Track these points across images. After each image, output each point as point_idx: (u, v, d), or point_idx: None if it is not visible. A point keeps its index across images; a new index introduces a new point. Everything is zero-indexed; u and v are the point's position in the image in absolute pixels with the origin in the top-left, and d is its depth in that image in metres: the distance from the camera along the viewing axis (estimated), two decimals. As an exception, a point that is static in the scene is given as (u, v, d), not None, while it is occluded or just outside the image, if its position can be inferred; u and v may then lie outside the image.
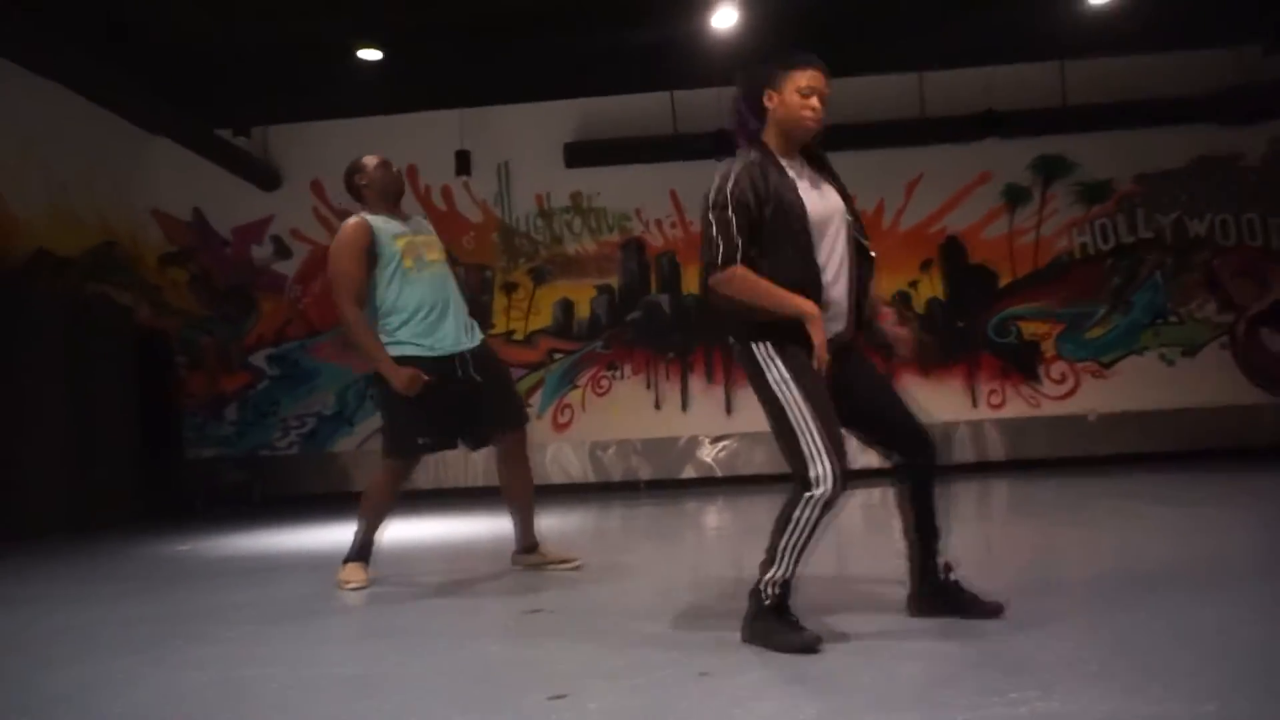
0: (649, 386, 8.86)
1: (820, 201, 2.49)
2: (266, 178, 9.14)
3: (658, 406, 8.84)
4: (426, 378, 3.42)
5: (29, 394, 6.61)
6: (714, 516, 6.14)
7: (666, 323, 8.92)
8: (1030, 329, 8.77)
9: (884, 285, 8.86)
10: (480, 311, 9.12)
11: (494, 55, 8.03)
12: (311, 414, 9.07)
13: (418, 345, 3.51)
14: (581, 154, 8.79)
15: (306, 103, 8.84)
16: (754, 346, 2.42)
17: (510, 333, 8.99)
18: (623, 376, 8.89)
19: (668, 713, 1.79)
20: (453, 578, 3.75)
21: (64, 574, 4.59)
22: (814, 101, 2.42)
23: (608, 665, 2.17)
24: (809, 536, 2.33)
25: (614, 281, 9.02)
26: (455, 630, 2.74)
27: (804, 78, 2.42)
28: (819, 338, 2.32)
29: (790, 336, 2.35)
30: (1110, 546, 3.93)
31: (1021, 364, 8.73)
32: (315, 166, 9.26)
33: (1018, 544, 4.28)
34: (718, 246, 2.39)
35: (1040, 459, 8.40)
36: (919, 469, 2.55)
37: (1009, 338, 8.77)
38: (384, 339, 3.52)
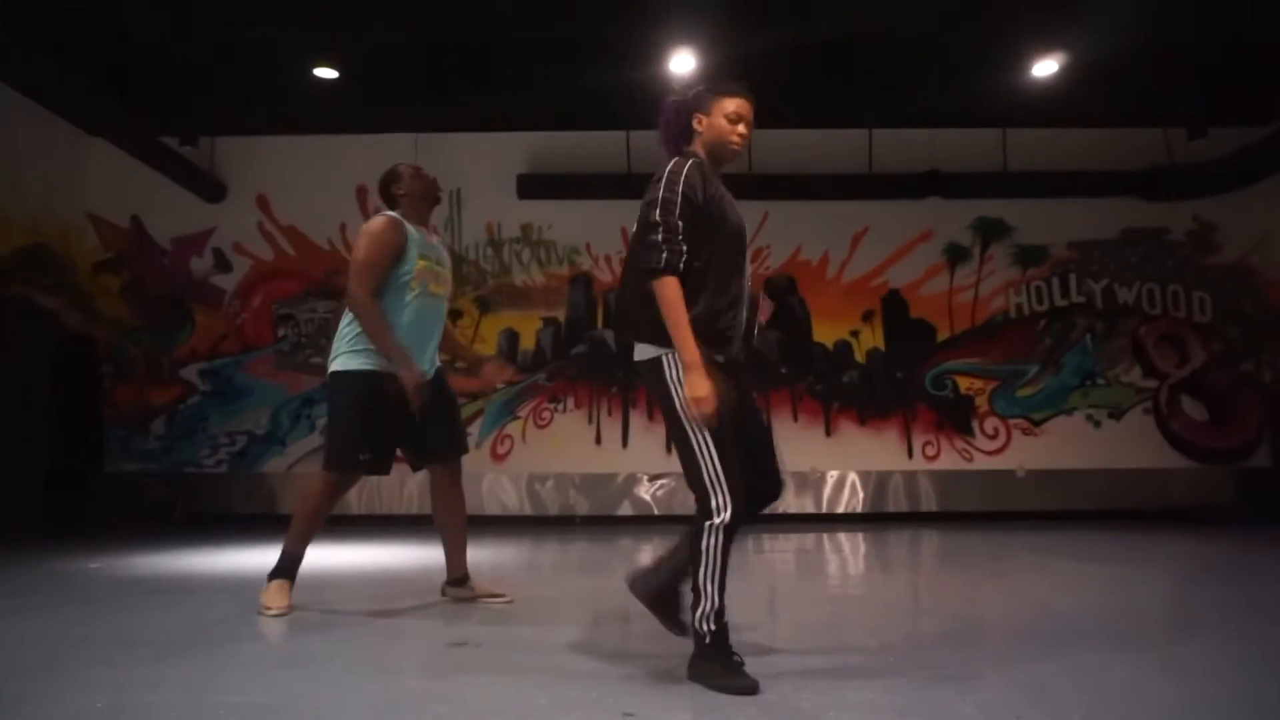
0: (590, 421, 8.84)
1: (741, 220, 2.54)
2: (211, 189, 8.98)
3: (598, 441, 8.82)
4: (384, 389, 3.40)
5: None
6: (649, 554, 6.10)
7: (611, 358, 8.93)
8: (966, 384, 8.98)
9: (826, 333, 9.08)
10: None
11: (451, 82, 8.05)
12: (242, 432, 8.84)
13: (372, 359, 3.46)
14: (534, 186, 8.82)
15: (258, 116, 8.74)
16: (665, 361, 2.39)
17: (453, 360, 8.89)
18: (565, 410, 8.86)
19: (588, 753, 1.76)
20: (377, 607, 3.65)
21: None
22: (740, 128, 2.53)
23: (529, 703, 2.13)
24: (723, 564, 2.32)
25: (560, 314, 9.02)
26: (372, 662, 2.67)
27: (732, 104, 2.53)
28: (701, 390, 2.30)
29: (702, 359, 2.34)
30: (1031, 600, 4.00)
31: (956, 418, 8.92)
32: (263, 181, 9.13)
33: (945, 593, 4.34)
34: (661, 250, 2.36)
35: (971, 511, 8.56)
36: (753, 516, 2.49)
37: (945, 391, 8.97)
38: (358, 344, 3.47)
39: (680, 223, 2.39)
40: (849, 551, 6.17)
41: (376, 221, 3.55)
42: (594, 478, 8.73)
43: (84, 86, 7.16)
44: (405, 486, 8.60)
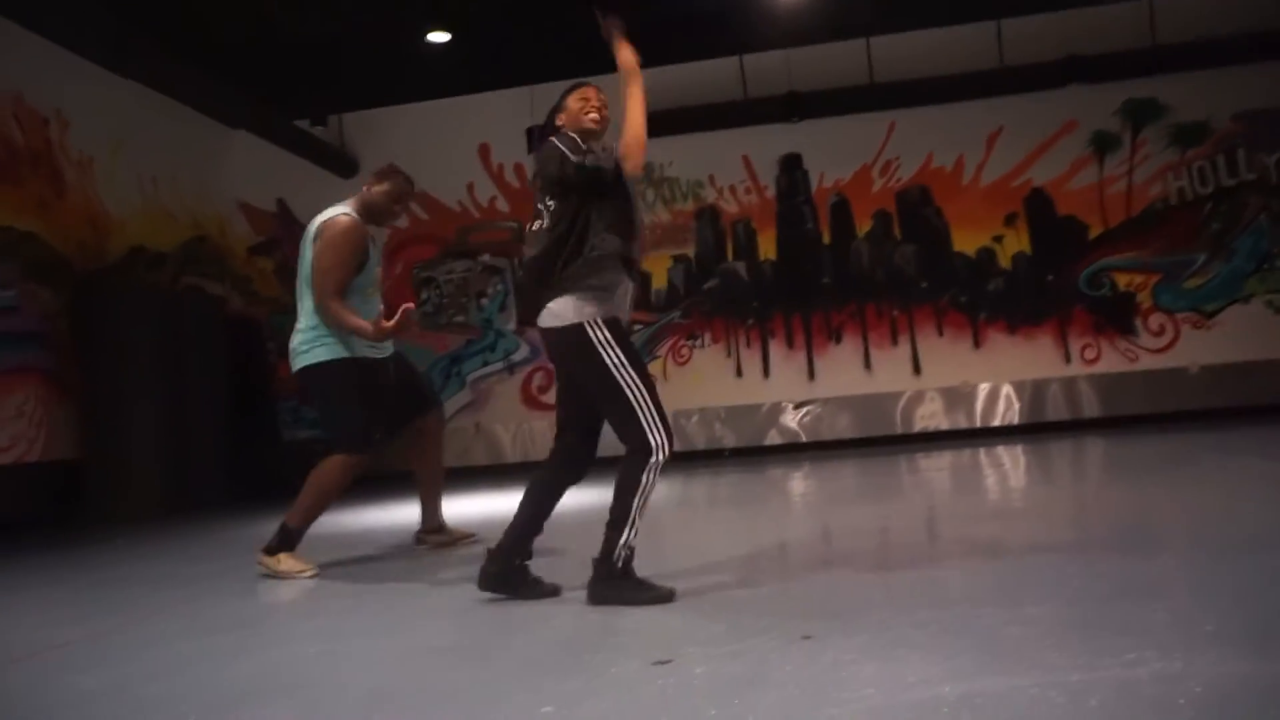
0: (729, 354, 8.83)
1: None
2: (344, 165, 9.35)
3: (739, 374, 8.81)
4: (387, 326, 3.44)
5: (130, 385, 6.93)
6: (799, 483, 6.11)
7: (744, 290, 8.86)
8: (1125, 280, 8.45)
9: (967, 242, 8.69)
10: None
11: (559, 29, 8.01)
12: (399, 394, 9.28)
13: (371, 347, 3.65)
14: (651, 124, 8.70)
15: (379, 89, 9.00)
16: (589, 328, 2.57)
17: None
18: (703, 345, 8.88)
19: (772, 676, 1.80)
20: (548, 549, 3.80)
21: (165, 553, 4.83)
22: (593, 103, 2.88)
23: (707, 631, 2.18)
24: (648, 499, 2.58)
25: (690, 250, 8.99)
26: (551, 601, 2.79)
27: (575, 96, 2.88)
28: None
29: (616, 317, 2.61)
30: (1216, 504, 3.78)
31: (1116, 317, 8.42)
32: (390, 151, 9.39)
33: (1119, 502, 4.15)
34: (602, 161, 2.65)
35: (1138, 415, 8.10)
36: (582, 468, 2.77)
37: (1102, 290, 8.46)
38: (326, 335, 3.60)
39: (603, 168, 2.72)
40: (1008, 465, 5.98)
41: (344, 223, 3.60)
42: (738, 410, 8.75)
43: (221, 83, 7.56)
44: (517, 436, 8.85)
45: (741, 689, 1.71)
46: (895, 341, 8.59)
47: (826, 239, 8.81)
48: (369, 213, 3.74)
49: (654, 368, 8.95)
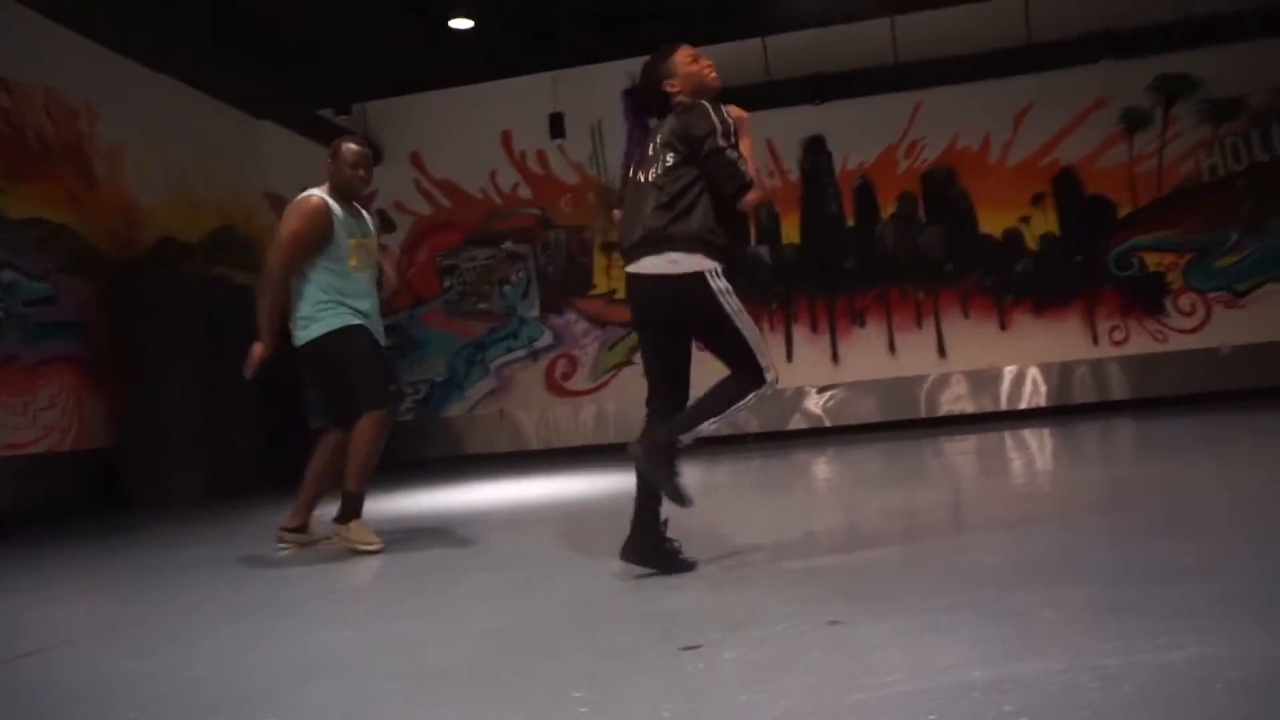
0: (752, 339, 8.79)
1: None
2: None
3: (762, 358, 8.77)
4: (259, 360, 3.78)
5: (165, 374, 7.02)
6: (823, 467, 6.09)
7: (768, 274, 8.82)
8: (1154, 260, 8.32)
9: (993, 223, 8.59)
10: (580, 273, 9.21)
11: (582, 14, 8.00)
12: (425, 381, 9.36)
13: (364, 317, 3.77)
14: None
15: (402, 76, 9.01)
16: (710, 278, 2.66)
17: (612, 292, 9.05)
18: (725, 330, 8.84)
19: (801, 660, 1.79)
20: (569, 535, 3.83)
21: (202, 539, 4.90)
22: (704, 61, 2.96)
23: (734, 616, 2.18)
24: (735, 417, 2.81)
25: (713, 235, 8.94)
26: (581, 585, 2.80)
27: (683, 55, 2.95)
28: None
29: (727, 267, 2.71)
30: (1256, 484, 3.72)
31: (1145, 297, 8.30)
32: (414, 139, 9.45)
33: (1152, 484, 4.10)
34: (742, 164, 2.68)
35: (1168, 396, 8.00)
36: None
37: (1131, 270, 8.34)
38: (328, 306, 3.72)
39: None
40: (1035, 448, 5.92)
41: (303, 201, 3.74)
42: (762, 394, 8.71)
43: (247, 75, 7.61)
44: (580, 418, 8.89)
45: (771, 674, 1.71)
46: (920, 325, 8.52)
47: (850, 222, 8.74)
48: (339, 190, 3.84)
49: (678, 353, 8.94)
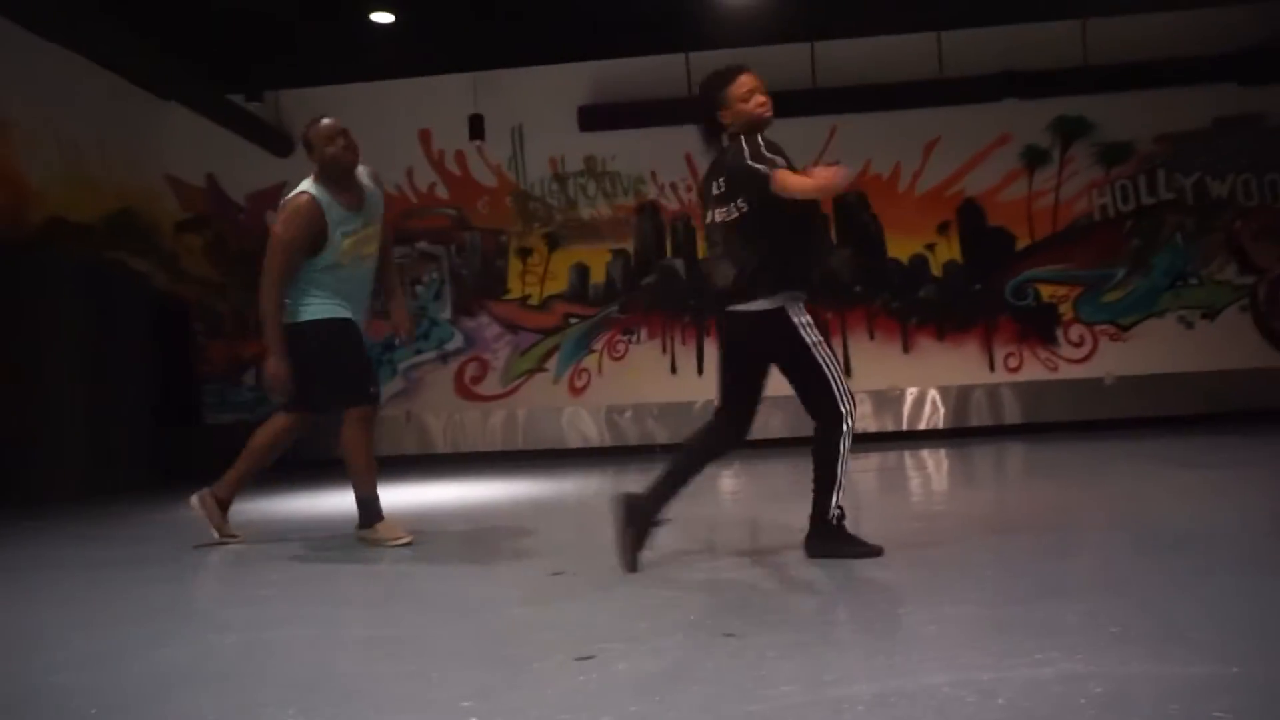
0: (665, 350, 8.87)
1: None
2: (279, 143, 9.12)
3: (674, 370, 8.86)
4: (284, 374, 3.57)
5: (48, 360, 6.66)
6: (730, 480, 6.17)
7: (682, 287, 8.91)
8: (1048, 291, 8.72)
9: (901, 248, 8.86)
10: (495, 276, 9.13)
11: (507, 17, 7.95)
12: (328, 380, 9.11)
13: (339, 305, 3.64)
14: (596, 117, 8.73)
15: (318, 66, 8.80)
16: (792, 313, 2.81)
17: (525, 297, 9.01)
18: (639, 341, 8.90)
19: (695, 672, 1.81)
20: (473, 541, 3.79)
21: (83, 537, 4.67)
22: (759, 97, 2.91)
23: (631, 627, 2.19)
24: (848, 463, 2.89)
25: (629, 245, 9.00)
26: (478, 593, 2.77)
27: (743, 85, 2.90)
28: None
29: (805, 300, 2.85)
30: (1129, 509, 3.93)
31: (1039, 327, 8.68)
32: (328, 131, 9.22)
33: (1038, 505, 4.29)
34: (762, 171, 2.75)
35: (1058, 422, 8.38)
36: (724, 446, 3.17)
37: (1027, 300, 8.72)
38: (313, 294, 3.60)
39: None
40: (933, 468, 6.13)
41: (293, 209, 3.57)
42: (672, 406, 8.79)
43: (154, 52, 7.30)
44: (489, 423, 8.80)
45: (663, 685, 1.73)
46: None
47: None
48: (326, 175, 3.64)
49: (590, 362, 8.95)
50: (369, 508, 3.67)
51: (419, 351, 9.08)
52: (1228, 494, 4.22)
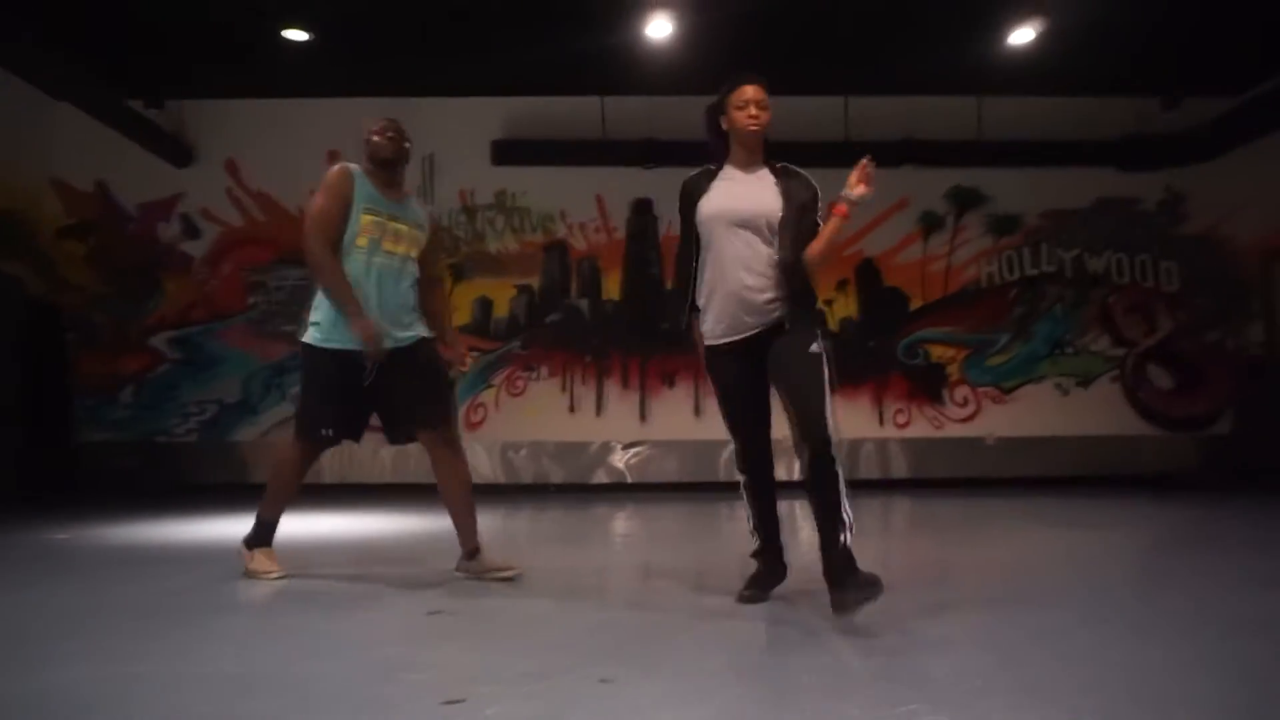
0: (564, 389, 8.84)
1: (717, 202, 2.97)
2: (178, 153, 8.81)
3: (572, 410, 8.82)
4: (381, 346, 3.41)
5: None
6: (623, 522, 6.15)
7: (585, 327, 8.92)
8: (938, 352, 9.06)
9: (801, 302, 9.09)
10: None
11: (425, 46, 7.92)
12: (213, 401, 8.76)
13: (337, 334, 3.42)
14: (509, 152, 8.72)
15: (227, 79, 8.56)
16: (818, 333, 2.88)
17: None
18: (539, 378, 8.85)
19: (565, 717, 1.78)
20: (353, 576, 3.66)
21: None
22: (750, 110, 2.95)
23: (507, 670, 2.14)
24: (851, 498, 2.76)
25: (535, 282, 8.97)
26: (350, 630, 2.67)
27: (737, 96, 2.95)
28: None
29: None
30: (1002, 565, 4.07)
31: (928, 386, 9.00)
32: (232, 145, 8.97)
33: (918, 559, 4.40)
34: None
35: (942, 478, 8.67)
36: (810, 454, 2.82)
37: (918, 359, 9.05)
38: (318, 316, 3.47)
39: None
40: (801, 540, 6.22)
41: (330, 170, 3.56)
42: (568, 446, 8.75)
43: (48, 50, 6.97)
44: (379, 454, 8.58)
45: (533, 731, 1.69)
46: (727, 391, 8.85)
47: (669, 285, 8.99)
48: (372, 161, 3.61)
49: (487, 396, 8.84)
50: (260, 527, 3.59)
51: (311, 377, 8.80)
52: (1092, 554, 4.42)
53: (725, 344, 2.95)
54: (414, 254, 3.63)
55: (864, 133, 8.78)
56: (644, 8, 7.17)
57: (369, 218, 3.49)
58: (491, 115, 8.80)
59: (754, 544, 3.13)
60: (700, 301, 2.99)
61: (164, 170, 8.80)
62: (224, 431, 8.72)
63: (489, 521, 5.82)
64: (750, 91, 2.93)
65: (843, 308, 9.07)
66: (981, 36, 7.67)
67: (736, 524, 5.99)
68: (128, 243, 8.86)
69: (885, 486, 8.65)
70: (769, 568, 3.11)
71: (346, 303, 3.38)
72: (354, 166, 3.58)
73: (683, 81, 8.43)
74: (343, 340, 3.42)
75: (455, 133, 8.88)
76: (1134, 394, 9.02)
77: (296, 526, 5.48)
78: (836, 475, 2.72)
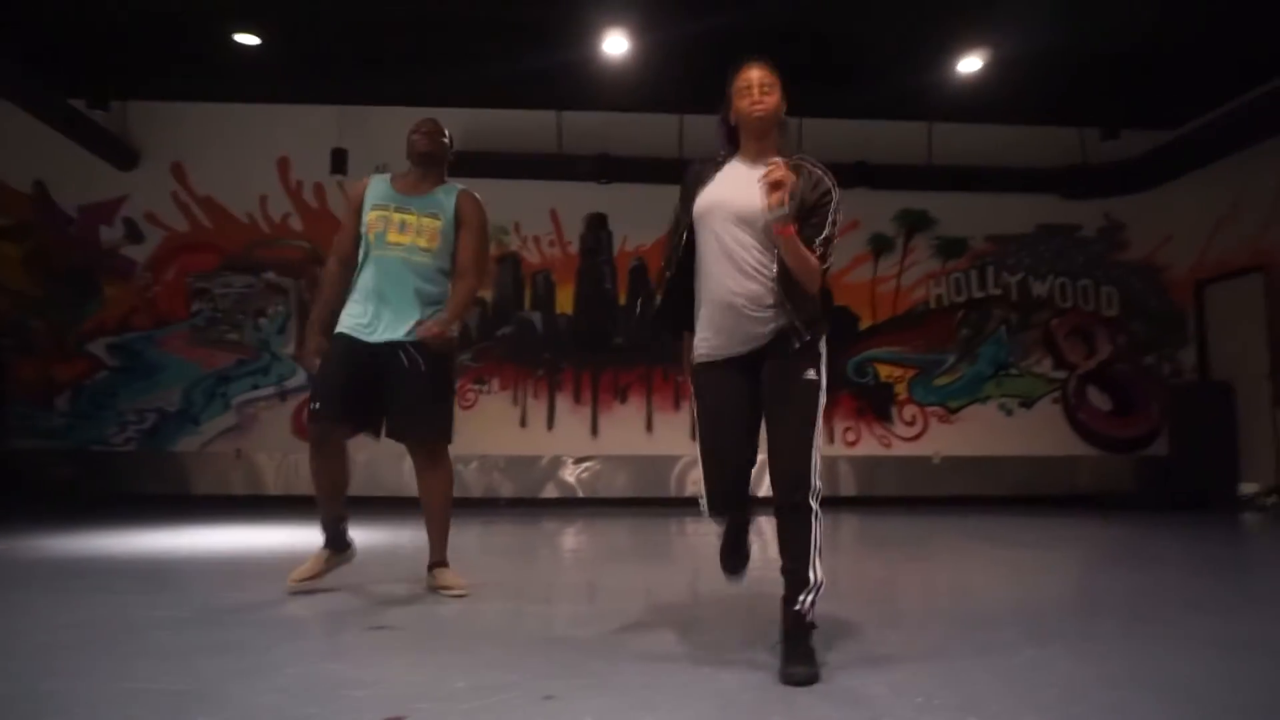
0: (516, 403, 8.78)
1: (714, 194, 2.62)
2: (122, 155, 8.60)
3: (523, 424, 8.77)
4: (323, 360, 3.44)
5: None
6: (572, 538, 6.12)
7: (538, 340, 8.88)
8: (886, 371, 9.19)
9: (753, 320, 9.16)
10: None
11: (379, 56, 7.87)
12: (153, 409, 8.54)
13: (355, 310, 3.45)
14: (463, 163, 8.60)
15: (175, 81, 8.40)
16: (819, 354, 2.51)
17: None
18: (490, 391, 8.78)
19: (507, 737, 1.76)
20: (296, 590, 3.57)
21: None
22: (751, 94, 2.60)
23: (449, 686, 2.11)
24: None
25: (487, 295, 8.92)
26: (290, 646, 2.62)
27: (737, 82, 2.64)
28: None
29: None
30: (946, 582, 4.13)
31: (876, 405, 9.12)
32: (179, 149, 8.80)
33: (863, 576, 4.44)
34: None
35: (889, 496, 8.78)
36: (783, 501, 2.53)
37: (866, 378, 9.16)
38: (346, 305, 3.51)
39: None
40: (769, 535, 6.26)
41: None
42: (518, 460, 8.69)
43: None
44: (282, 467, 8.41)
45: (474, 749, 1.66)
46: (678, 407, 8.87)
47: (623, 300, 9.02)
48: (408, 157, 3.68)
49: (439, 409, 8.74)
50: (323, 530, 3.58)
51: (255, 387, 8.63)
52: (1034, 572, 4.51)
53: (717, 359, 2.57)
54: (426, 244, 3.49)
55: (818, 154, 8.87)
56: (601, 24, 7.21)
57: (374, 214, 3.52)
58: (447, 126, 8.71)
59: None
60: (696, 311, 2.63)
61: (107, 172, 8.59)
62: (164, 441, 8.51)
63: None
64: (753, 74, 2.60)
65: (786, 326, 9.15)
66: (931, 64, 7.84)
67: (686, 540, 6.00)
68: (67, 245, 8.62)
69: (833, 504, 8.70)
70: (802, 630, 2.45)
71: (312, 314, 3.56)
72: (379, 175, 3.66)
73: (638, 98, 8.50)
74: (351, 319, 3.45)
75: (404, 144, 8.79)
76: (1074, 415, 9.24)
77: (238, 538, 5.37)
78: (810, 529, 2.42)
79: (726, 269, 2.52)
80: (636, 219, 9.01)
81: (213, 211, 8.78)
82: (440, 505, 3.60)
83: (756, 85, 2.58)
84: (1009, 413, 9.20)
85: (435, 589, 3.50)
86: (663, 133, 8.76)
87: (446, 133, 3.76)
